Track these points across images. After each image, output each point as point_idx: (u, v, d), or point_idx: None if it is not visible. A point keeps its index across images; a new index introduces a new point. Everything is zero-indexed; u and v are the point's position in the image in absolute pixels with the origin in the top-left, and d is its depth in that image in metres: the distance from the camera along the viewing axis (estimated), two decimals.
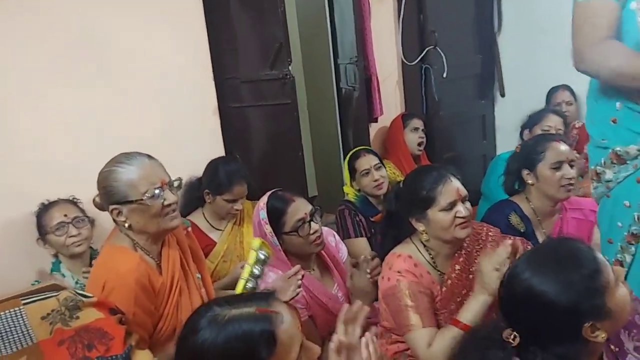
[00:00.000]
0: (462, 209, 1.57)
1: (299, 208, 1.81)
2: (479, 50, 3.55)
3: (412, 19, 3.15)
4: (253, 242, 1.63)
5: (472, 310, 1.48)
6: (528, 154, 2.01)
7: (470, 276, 1.59)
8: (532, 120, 2.74)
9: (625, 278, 1.46)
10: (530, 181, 1.99)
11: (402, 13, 3.13)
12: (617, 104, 1.48)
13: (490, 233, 1.73)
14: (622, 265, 1.57)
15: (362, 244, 2.40)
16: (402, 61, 3.21)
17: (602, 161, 1.55)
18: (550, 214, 2.03)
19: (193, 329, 0.99)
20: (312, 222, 1.81)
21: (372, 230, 2.45)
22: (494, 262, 1.46)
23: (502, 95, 3.65)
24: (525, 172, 2.00)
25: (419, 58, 3.17)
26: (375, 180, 2.47)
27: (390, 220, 1.74)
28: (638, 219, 1.48)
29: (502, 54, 3.58)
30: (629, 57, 1.37)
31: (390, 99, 3.22)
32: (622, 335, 1.32)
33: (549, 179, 1.94)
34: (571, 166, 1.96)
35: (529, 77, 3.44)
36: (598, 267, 1.10)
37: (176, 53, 2.37)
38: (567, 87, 3.19)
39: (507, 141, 3.13)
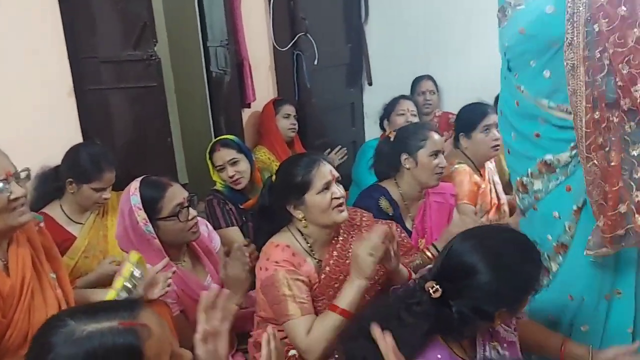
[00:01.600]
0: (336, 190, 1.61)
1: (177, 193, 1.74)
2: (348, 39, 3.63)
3: (282, 4, 3.13)
4: (130, 255, 1.52)
5: (348, 296, 1.50)
6: (408, 140, 2.10)
7: (347, 261, 1.63)
8: (388, 109, 2.90)
9: (550, 285, 1.58)
10: (408, 166, 2.08)
11: None
12: (539, 120, 1.48)
13: (364, 218, 1.78)
14: (547, 272, 1.61)
15: (234, 233, 2.35)
16: (274, 46, 3.18)
17: (529, 172, 1.55)
18: (416, 199, 2.14)
19: (45, 347, 0.85)
20: (190, 208, 1.75)
21: (244, 218, 2.41)
22: (368, 247, 1.49)
23: (370, 83, 3.78)
24: (404, 157, 2.08)
25: (290, 44, 3.16)
26: (231, 177, 2.40)
27: (264, 214, 1.72)
28: (569, 228, 1.51)
29: (369, 44, 3.70)
30: None
31: (263, 85, 3.18)
32: None
33: (427, 165, 2.05)
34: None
35: (395, 66, 3.60)
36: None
37: (23, 29, 2.11)
38: (430, 77, 3.39)
39: (375, 128, 3.24)
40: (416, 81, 3.39)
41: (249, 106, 3.05)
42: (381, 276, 1.67)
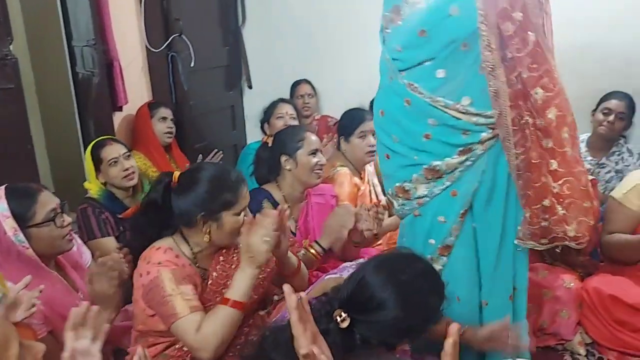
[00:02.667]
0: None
1: (49, 197, 1.63)
2: (226, 41, 3.58)
3: (154, 4, 3.01)
4: None
5: (240, 286, 1.47)
6: (286, 142, 2.12)
7: (233, 266, 1.59)
8: (267, 113, 2.90)
9: None
10: (288, 167, 2.09)
11: None
12: (430, 121, 1.46)
13: None
14: None
15: (109, 244, 2.20)
16: (147, 47, 3.05)
17: (413, 177, 1.53)
18: (299, 200, 2.16)
19: None
20: (64, 214, 1.63)
21: (121, 227, 2.27)
22: (262, 233, 1.47)
23: (250, 86, 3.76)
24: (284, 159, 2.10)
25: (164, 45, 3.04)
26: (125, 170, 2.27)
27: (149, 216, 1.61)
28: (454, 230, 1.53)
29: (247, 47, 3.68)
30: None
31: (136, 87, 3.03)
32: None
33: (306, 165, 2.07)
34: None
35: (275, 69, 3.61)
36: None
37: None
38: (307, 81, 3.44)
39: (257, 131, 3.22)
40: (295, 85, 3.43)
41: (120, 109, 2.89)
42: (271, 269, 1.67)
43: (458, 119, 1.43)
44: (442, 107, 1.43)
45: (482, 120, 1.43)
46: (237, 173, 1.61)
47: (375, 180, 2.57)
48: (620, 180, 2.40)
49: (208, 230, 1.55)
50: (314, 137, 2.15)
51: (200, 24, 3.28)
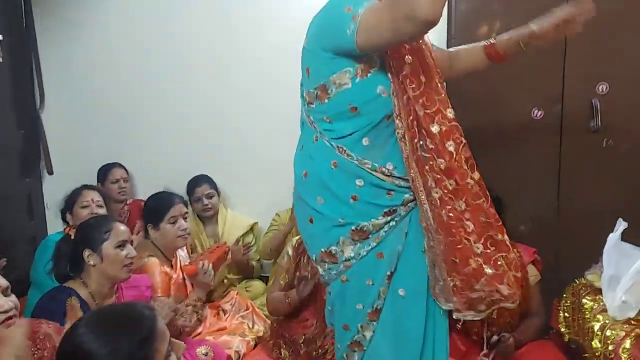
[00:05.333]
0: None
1: None
2: (21, 126, 3.28)
3: None
4: None
5: None
6: (90, 234, 1.96)
7: None
8: (69, 201, 2.68)
9: (365, 355, 1.56)
10: (92, 262, 1.92)
11: None
12: (357, 182, 1.50)
13: (49, 329, 1.55)
14: (360, 345, 1.57)
15: None
16: None
17: (340, 240, 1.52)
18: (108, 296, 1.99)
19: None
20: None
21: None
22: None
23: (50, 172, 3.46)
24: (87, 253, 1.93)
25: None
26: None
27: None
28: (382, 293, 1.52)
29: (47, 130, 3.41)
30: None
31: None
32: None
33: (114, 258, 1.93)
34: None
35: (79, 153, 3.40)
36: (151, 336, 1.14)
37: None
38: (120, 165, 3.27)
39: (58, 221, 2.94)
40: (106, 169, 3.24)
41: None
42: None
43: (383, 180, 1.50)
44: (369, 169, 1.50)
45: (403, 183, 1.52)
46: None
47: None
48: None
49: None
50: (122, 228, 2.01)
51: None
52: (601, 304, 1.94)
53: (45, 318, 1.62)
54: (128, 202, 3.25)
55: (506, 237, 1.51)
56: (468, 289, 1.48)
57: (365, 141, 1.50)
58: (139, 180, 3.41)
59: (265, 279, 3.13)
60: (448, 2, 2.58)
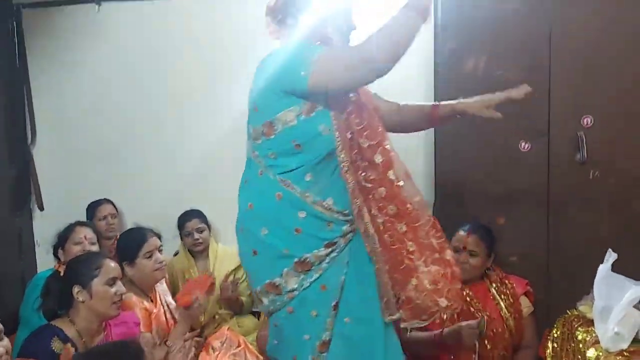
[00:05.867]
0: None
1: None
2: (11, 162, 3.29)
3: None
4: None
5: None
6: (80, 270, 1.95)
7: None
8: (62, 237, 2.66)
9: None
10: (81, 299, 1.91)
11: None
12: (300, 214, 1.58)
13: None
14: None
15: None
16: None
17: (284, 272, 1.58)
18: (96, 334, 1.97)
19: None
20: None
21: None
22: None
23: (41, 208, 3.44)
24: (76, 290, 1.92)
25: None
26: None
27: None
28: (329, 324, 1.58)
29: (39, 166, 3.41)
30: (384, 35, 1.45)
31: None
32: None
33: (103, 295, 1.92)
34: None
35: (70, 189, 3.39)
36: None
37: None
38: (108, 201, 3.26)
39: (49, 258, 2.91)
40: (94, 206, 3.22)
41: None
42: None
43: (323, 213, 1.58)
44: (311, 203, 1.58)
45: (341, 217, 1.61)
46: None
47: (169, 299, 2.47)
48: None
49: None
50: (112, 264, 2.01)
51: None
52: (594, 335, 1.94)
53: (31, 358, 1.60)
54: (117, 238, 3.22)
55: (448, 253, 1.66)
56: (412, 302, 1.62)
57: (308, 176, 1.58)
58: (130, 216, 3.39)
59: (258, 314, 3.10)
60: (434, 38, 2.67)
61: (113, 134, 3.36)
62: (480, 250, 2.38)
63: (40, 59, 3.36)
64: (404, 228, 1.61)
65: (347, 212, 1.61)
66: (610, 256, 1.94)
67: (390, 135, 2.97)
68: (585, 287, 2.07)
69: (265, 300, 1.65)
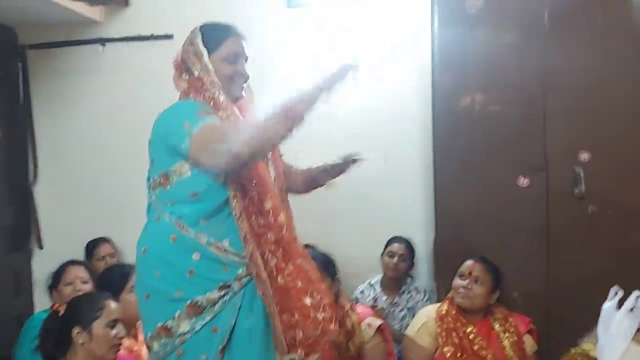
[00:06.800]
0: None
1: None
2: (12, 200, 3.30)
3: None
4: None
5: None
6: (81, 311, 1.93)
7: None
8: (55, 278, 2.61)
9: None
10: (81, 340, 1.88)
11: None
12: (194, 256, 1.59)
13: None
14: None
15: None
16: None
17: (176, 314, 1.58)
18: None
19: None
20: None
21: None
22: None
23: (40, 247, 3.43)
24: (76, 331, 1.89)
25: None
26: None
27: None
28: None
29: (39, 205, 3.42)
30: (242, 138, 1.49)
31: None
32: None
33: (104, 338, 1.90)
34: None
35: (70, 227, 3.38)
36: None
37: None
38: (106, 240, 3.24)
39: (46, 298, 2.88)
40: (92, 245, 3.20)
41: None
42: None
43: (218, 255, 1.60)
44: (205, 244, 1.59)
45: (237, 259, 1.62)
46: None
47: None
48: (412, 318, 2.63)
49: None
50: (113, 306, 1.99)
51: None
52: None
53: None
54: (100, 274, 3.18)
55: (322, 285, 1.72)
56: (310, 337, 1.63)
57: (203, 221, 1.61)
58: (129, 255, 3.36)
59: None
60: (432, 74, 2.71)
61: (112, 174, 3.36)
62: (485, 280, 2.37)
63: (44, 99, 3.41)
64: (292, 268, 1.64)
65: (243, 254, 1.63)
66: (617, 294, 1.90)
67: (394, 171, 3.03)
68: (587, 322, 2.04)
69: (156, 345, 1.63)
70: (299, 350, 1.63)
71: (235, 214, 1.61)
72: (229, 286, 1.61)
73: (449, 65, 2.67)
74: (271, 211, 1.63)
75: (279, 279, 1.62)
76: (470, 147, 2.66)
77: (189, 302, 1.58)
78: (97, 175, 3.39)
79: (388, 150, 3.08)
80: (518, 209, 2.61)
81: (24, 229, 3.36)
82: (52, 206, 3.43)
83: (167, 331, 1.59)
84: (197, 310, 1.58)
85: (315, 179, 1.93)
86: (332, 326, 1.67)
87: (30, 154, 3.41)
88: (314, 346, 1.65)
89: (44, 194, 3.44)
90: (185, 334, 1.58)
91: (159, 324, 1.60)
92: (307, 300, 1.63)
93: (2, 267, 3.22)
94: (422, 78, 2.92)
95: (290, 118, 1.50)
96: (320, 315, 1.64)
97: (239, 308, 1.62)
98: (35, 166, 3.42)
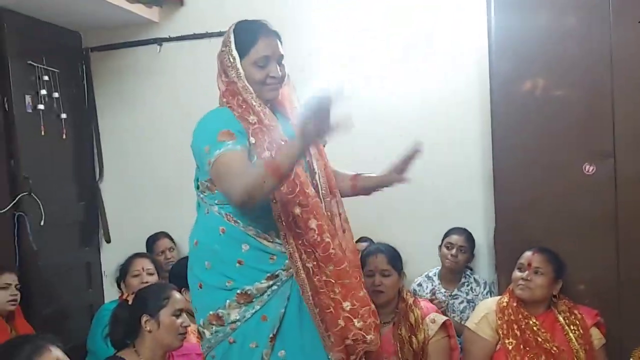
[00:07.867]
0: None
1: None
2: (81, 197, 3.46)
3: (1, 163, 2.87)
4: None
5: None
6: (149, 300, 2.01)
7: None
8: (123, 270, 2.75)
9: None
10: (149, 328, 1.97)
11: None
12: (243, 247, 1.63)
13: None
14: None
15: None
16: None
17: (227, 303, 1.62)
18: None
19: None
20: None
21: None
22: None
23: (108, 241, 3.59)
24: (144, 319, 1.98)
25: (9, 205, 2.86)
26: None
27: None
28: (265, 355, 1.61)
29: (106, 201, 3.58)
30: (249, 175, 1.49)
31: None
32: None
33: (170, 326, 1.97)
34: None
35: (134, 222, 3.51)
36: None
37: None
38: (166, 234, 3.34)
39: (114, 290, 3.02)
40: (152, 240, 3.31)
41: None
42: None
43: (267, 245, 1.64)
44: (254, 235, 1.63)
45: (284, 249, 1.65)
46: (32, 342, 1.50)
47: None
48: (473, 310, 2.58)
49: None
50: (179, 296, 2.07)
51: (52, 180, 3.16)
52: None
53: None
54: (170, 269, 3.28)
55: (364, 291, 1.69)
56: (341, 343, 1.64)
57: (250, 215, 1.64)
58: (186, 249, 3.46)
59: None
60: (489, 60, 2.63)
61: (173, 169, 3.42)
62: (546, 270, 2.29)
63: (106, 99, 3.55)
64: (329, 271, 1.63)
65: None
66: None
67: (449, 160, 2.96)
68: None
69: (208, 333, 1.67)
70: (331, 354, 1.64)
71: (275, 215, 1.63)
72: (276, 276, 1.64)
73: (507, 50, 2.58)
74: (301, 215, 1.63)
75: (316, 280, 1.63)
76: (531, 133, 2.57)
77: (238, 291, 1.62)
78: (157, 172, 3.50)
79: (445, 140, 3.02)
80: (584, 198, 2.51)
81: (92, 224, 3.53)
82: (117, 201, 3.58)
83: (219, 319, 1.64)
84: (247, 299, 1.62)
85: (366, 188, 1.87)
86: (370, 336, 1.65)
87: (97, 152, 3.56)
88: (348, 353, 1.65)
89: (110, 190, 3.59)
90: (236, 321, 1.62)
91: (211, 312, 1.65)
92: (346, 306, 1.63)
93: (75, 261, 3.39)
94: (480, 65, 2.84)
95: (276, 173, 1.45)
96: (359, 323, 1.63)
97: (288, 297, 1.64)
98: (101, 164, 3.57)
